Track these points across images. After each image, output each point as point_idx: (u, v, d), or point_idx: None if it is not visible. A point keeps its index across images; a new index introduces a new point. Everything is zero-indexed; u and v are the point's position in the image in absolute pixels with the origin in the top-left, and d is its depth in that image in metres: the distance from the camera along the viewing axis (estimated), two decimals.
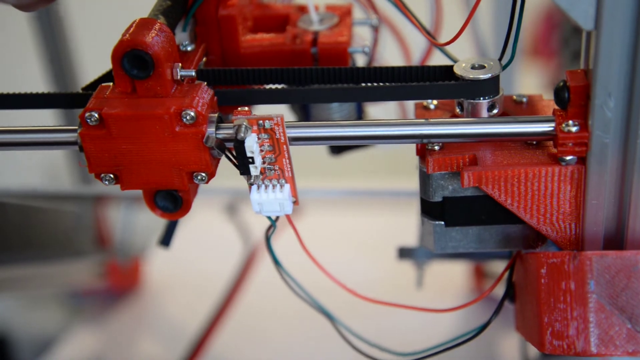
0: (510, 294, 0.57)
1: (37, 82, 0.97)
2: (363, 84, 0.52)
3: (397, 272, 0.87)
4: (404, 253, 0.66)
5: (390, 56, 0.64)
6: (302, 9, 0.60)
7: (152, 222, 0.97)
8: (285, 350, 0.96)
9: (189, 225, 1.21)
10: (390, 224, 0.99)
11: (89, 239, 1.01)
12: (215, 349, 0.94)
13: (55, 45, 0.92)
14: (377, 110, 0.63)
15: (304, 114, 0.61)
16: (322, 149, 0.66)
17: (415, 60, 0.67)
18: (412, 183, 0.56)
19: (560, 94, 0.48)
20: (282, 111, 0.50)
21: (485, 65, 0.51)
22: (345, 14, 0.60)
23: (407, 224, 0.81)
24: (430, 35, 0.55)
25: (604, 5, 0.43)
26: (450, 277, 0.96)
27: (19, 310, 1.13)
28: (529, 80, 1.49)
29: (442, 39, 0.62)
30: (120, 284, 1.05)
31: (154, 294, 1.09)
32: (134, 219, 1.06)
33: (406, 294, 0.69)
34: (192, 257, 1.13)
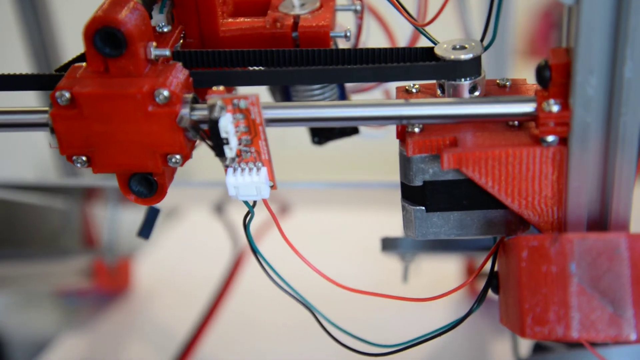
0: (494, 284, 0.56)
1: (20, 64, 0.95)
2: (342, 66, 0.51)
3: (384, 266, 0.85)
4: (388, 244, 0.65)
5: (375, 43, 0.63)
6: None
7: (141, 221, 0.96)
8: (274, 351, 0.95)
9: (178, 226, 1.20)
10: (377, 218, 0.98)
11: (76, 238, 1.00)
12: (204, 351, 0.92)
13: (38, 26, 0.90)
14: (362, 97, 0.62)
15: (285, 97, 0.60)
16: (306, 141, 0.65)
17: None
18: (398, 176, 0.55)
19: (542, 72, 0.46)
20: (263, 96, 0.50)
21: (467, 46, 0.50)
22: None
23: (395, 218, 0.80)
24: (412, 17, 0.54)
25: None
26: (441, 273, 0.95)
27: (4, 312, 1.11)
28: (529, 81, 1.47)
29: (428, 24, 0.61)
30: (109, 285, 1.04)
31: (143, 295, 1.08)
32: (122, 218, 1.05)
33: (393, 289, 0.68)
34: (182, 258, 1.12)
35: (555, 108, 0.46)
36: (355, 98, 0.63)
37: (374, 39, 0.63)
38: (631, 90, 0.44)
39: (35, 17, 0.89)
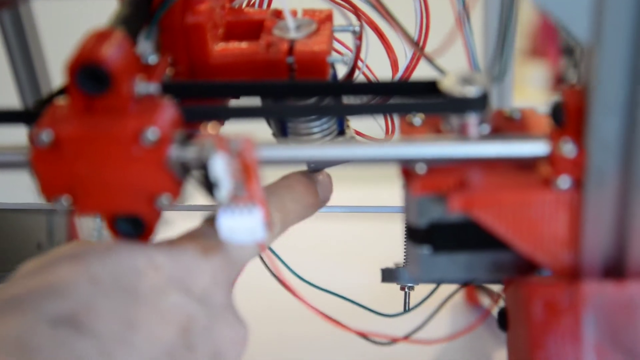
0: (503, 321, 0.53)
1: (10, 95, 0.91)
2: (342, 99, 0.49)
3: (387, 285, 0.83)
4: (388, 275, 0.62)
5: (378, 63, 0.60)
6: (278, 15, 0.56)
7: None
8: None
9: (167, 234, 1.16)
10: (379, 233, 0.95)
11: None
12: None
13: (26, 53, 0.87)
14: (360, 123, 0.59)
15: (281, 127, 0.57)
16: None
17: (402, 67, 0.63)
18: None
19: (557, 113, 0.44)
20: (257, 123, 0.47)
21: (474, 79, 0.46)
22: (324, 20, 0.55)
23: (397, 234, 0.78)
24: (415, 43, 0.51)
25: (605, 18, 0.39)
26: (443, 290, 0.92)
27: None
28: (529, 81, 1.44)
29: (430, 45, 0.58)
30: None
31: None
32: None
33: (396, 310, 0.65)
34: None
35: (570, 150, 0.43)
36: (353, 123, 0.60)
37: (375, 56, 0.60)
38: None
39: (23, 43, 0.85)
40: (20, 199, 0.78)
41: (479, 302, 0.83)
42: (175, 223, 1.17)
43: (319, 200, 0.54)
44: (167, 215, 1.11)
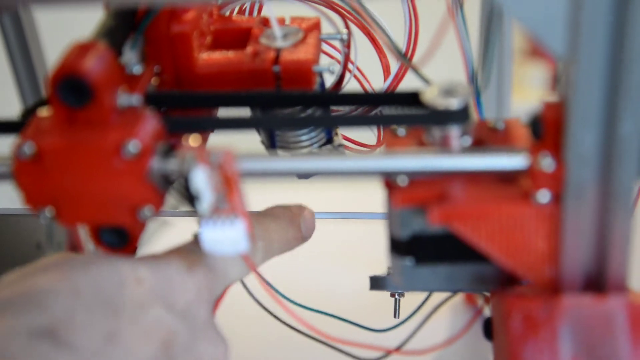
0: (488, 330, 0.53)
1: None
2: (329, 108, 0.49)
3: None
4: (376, 283, 0.62)
5: (371, 68, 0.60)
6: (266, 23, 0.56)
7: None
8: None
9: (166, 234, 1.16)
10: (370, 236, 0.95)
11: (61, 250, 0.97)
12: None
13: (28, 58, 0.87)
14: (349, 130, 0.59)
15: (269, 136, 0.57)
16: None
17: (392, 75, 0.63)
18: None
19: (535, 126, 0.43)
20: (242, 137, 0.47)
21: (455, 91, 0.46)
22: (312, 28, 0.56)
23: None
24: (402, 55, 0.51)
25: (581, 32, 0.39)
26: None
27: None
28: (529, 81, 1.44)
29: (420, 52, 0.58)
30: None
31: None
32: None
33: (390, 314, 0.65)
34: None
35: (549, 164, 0.43)
36: (341, 129, 0.60)
37: (367, 60, 0.59)
38: (628, 146, 0.41)
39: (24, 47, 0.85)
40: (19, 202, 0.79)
41: (477, 302, 0.83)
42: (175, 225, 1.18)
43: (301, 235, 0.54)
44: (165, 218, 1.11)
